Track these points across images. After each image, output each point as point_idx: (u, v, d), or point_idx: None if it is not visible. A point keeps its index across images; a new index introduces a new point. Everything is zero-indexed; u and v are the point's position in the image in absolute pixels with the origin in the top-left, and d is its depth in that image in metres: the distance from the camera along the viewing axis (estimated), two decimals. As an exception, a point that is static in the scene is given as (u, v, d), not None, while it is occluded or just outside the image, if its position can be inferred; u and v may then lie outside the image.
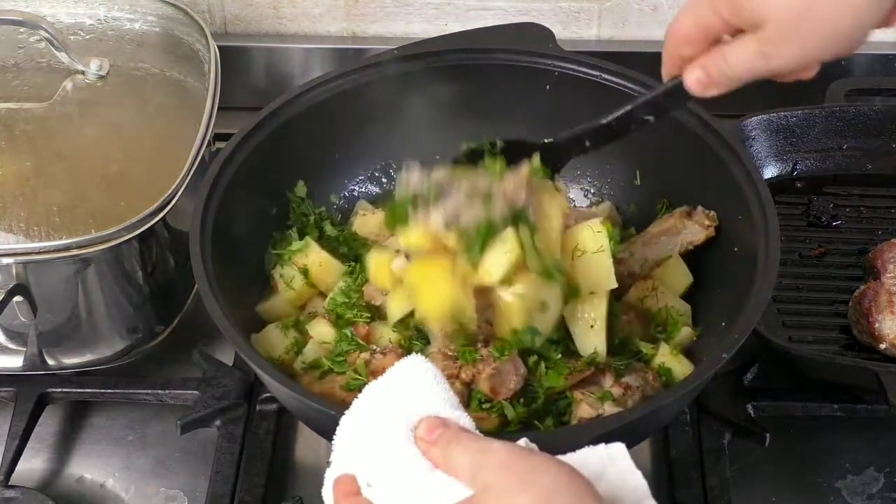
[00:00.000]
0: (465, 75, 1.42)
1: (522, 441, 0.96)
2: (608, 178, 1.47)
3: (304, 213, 1.42)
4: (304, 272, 1.34)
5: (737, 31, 1.04)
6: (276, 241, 1.38)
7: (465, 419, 0.98)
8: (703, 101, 1.11)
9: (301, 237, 1.38)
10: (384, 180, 1.48)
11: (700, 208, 1.36)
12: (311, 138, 1.39)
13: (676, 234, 1.35)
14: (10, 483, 1.30)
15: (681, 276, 1.34)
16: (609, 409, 1.16)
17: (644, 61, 1.57)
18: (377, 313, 1.30)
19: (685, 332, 1.29)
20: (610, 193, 1.47)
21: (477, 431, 0.98)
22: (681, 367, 1.25)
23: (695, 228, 1.34)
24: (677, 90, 1.10)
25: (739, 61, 1.03)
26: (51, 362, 1.37)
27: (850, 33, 1.00)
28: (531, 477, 0.88)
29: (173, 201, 1.30)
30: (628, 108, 1.17)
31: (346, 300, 1.31)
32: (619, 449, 0.96)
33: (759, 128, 1.59)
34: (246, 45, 1.71)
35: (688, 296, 1.35)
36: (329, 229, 1.41)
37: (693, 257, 1.35)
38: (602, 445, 0.96)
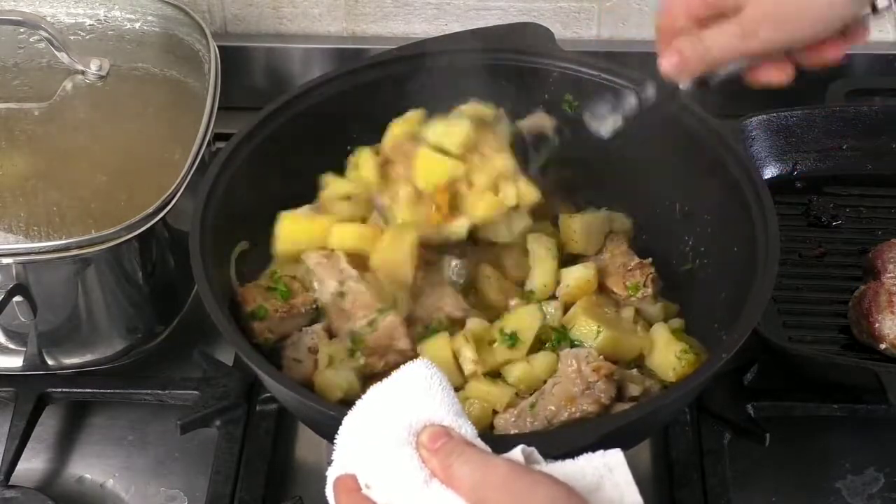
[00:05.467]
0: (465, 75, 1.42)
1: (518, 449, 0.95)
2: (606, 181, 1.46)
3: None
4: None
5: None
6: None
7: (467, 428, 0.97)
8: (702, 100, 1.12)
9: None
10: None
11: None
12: (311, 138, 1.39)
13: None
14: (10, 483, 1.30)
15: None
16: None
17: (644, 61, 1.57)
18: None
19: None
20: (608, 197, 1.47)
21: (480, 442, 0.97)
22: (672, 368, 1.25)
23: None
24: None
25: (716, 42, 1.09)
26: (51, 362, 1.37)
27: (823, 17, 1.06)
28: (528, 492, 0.89)
29: (173, 201, 1.30)
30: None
31: None
32: (617, 458, 0.95)
33: (759, 128, 1.58)
34: (246, 45, 1.71)
35: (688, 296, 1.35)
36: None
37: (693, 257, 1.36)
38: (600, 453, 0.95)
